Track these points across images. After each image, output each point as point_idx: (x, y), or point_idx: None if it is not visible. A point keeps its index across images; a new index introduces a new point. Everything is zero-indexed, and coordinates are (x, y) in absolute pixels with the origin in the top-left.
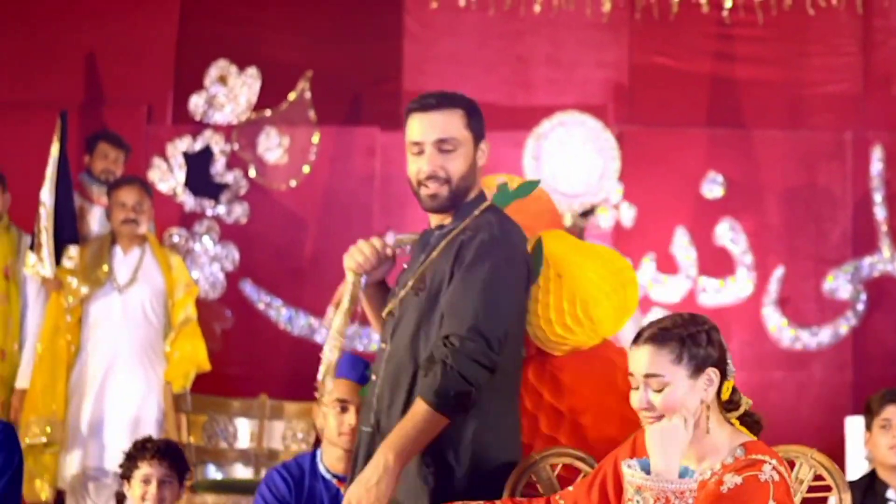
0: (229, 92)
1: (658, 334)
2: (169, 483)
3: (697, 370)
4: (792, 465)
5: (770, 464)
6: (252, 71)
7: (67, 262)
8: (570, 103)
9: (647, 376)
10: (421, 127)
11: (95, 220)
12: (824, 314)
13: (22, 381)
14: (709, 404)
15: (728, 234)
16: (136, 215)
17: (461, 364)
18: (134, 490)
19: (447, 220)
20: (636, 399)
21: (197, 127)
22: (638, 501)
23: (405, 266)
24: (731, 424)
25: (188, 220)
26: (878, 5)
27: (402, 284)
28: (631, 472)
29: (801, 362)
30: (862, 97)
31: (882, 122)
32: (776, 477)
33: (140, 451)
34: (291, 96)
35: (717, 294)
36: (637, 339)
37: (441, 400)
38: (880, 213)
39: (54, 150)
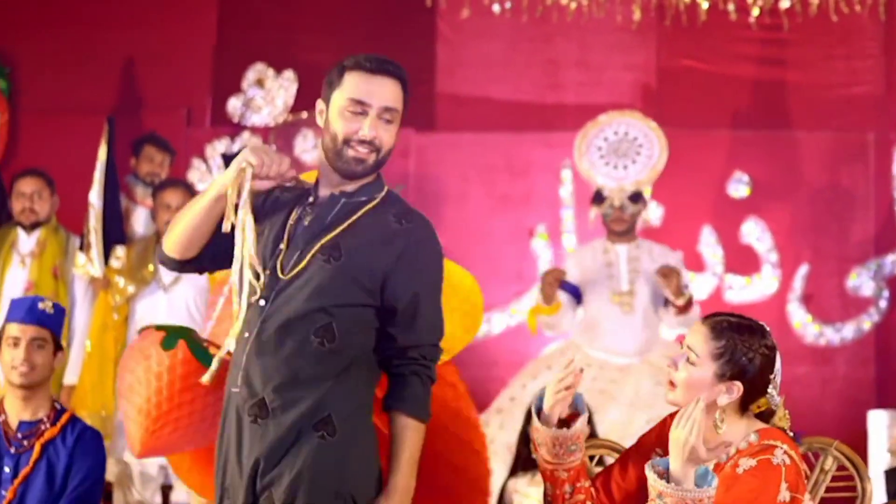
0: (266, 94)
1: (719, 326)
2: None
3: (724, 377)
4: (817, 456)
5: (781, 448)
6: (289, 74)
7: (115, 262)
8: (599, 105)
9: (688, 346)
10: (369, 88)
11: (140, 222)
12: (847, 311)
13: (70, 378)
14: (723, 408)
15: (754, 233)
16: None
17: (433, 377)
18: None
19: (347, 186)
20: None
21: (235, 129)
22: None
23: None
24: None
25: None
26: None
27: (297, 242)
28: (654, 476)
29: (825, 358)
30: (884, 99)
31: None
32: (787, 461)
33: None
34: None
35: (743, 291)
36: (708, 317)
37: (428, 412)
38: None
39: (102, 153)
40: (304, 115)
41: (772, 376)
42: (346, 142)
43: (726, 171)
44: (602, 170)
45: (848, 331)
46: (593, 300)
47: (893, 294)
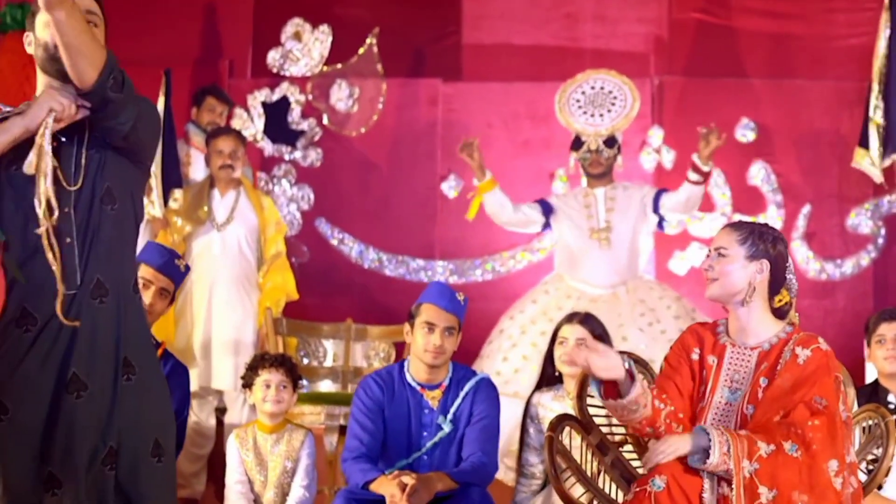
0: (303, 47)
1: (738, 222)
2: (285, 388)
3: (754, 257)
4: None
5: (818, 337)
6: (324, 28)
7: (173, 204)
8: (614, 54)
9: (716, 248)
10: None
11: (199, 168)
12: (847, 248)
13: None
14: (755, 287)
15: (760, 175)
16: (231, 161)
17: None
18: (256, 394)
19: None
20: (704, 263)
21: (274, 80)
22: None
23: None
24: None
25: (268, 165)
26: None
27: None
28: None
29: (827, 291)
30: None
31: None
32: (827, 347)
33: (261, 361)
34: (360, 51)
35: None
36: (727, 225)
37: None
38: None
39: (160, 104)
40: (339, 66)
41: (787, 264)
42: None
43: (734, 117)
44: (580, 118)
45: (848, 266)
46: (575, 237)
47: (890, 232)
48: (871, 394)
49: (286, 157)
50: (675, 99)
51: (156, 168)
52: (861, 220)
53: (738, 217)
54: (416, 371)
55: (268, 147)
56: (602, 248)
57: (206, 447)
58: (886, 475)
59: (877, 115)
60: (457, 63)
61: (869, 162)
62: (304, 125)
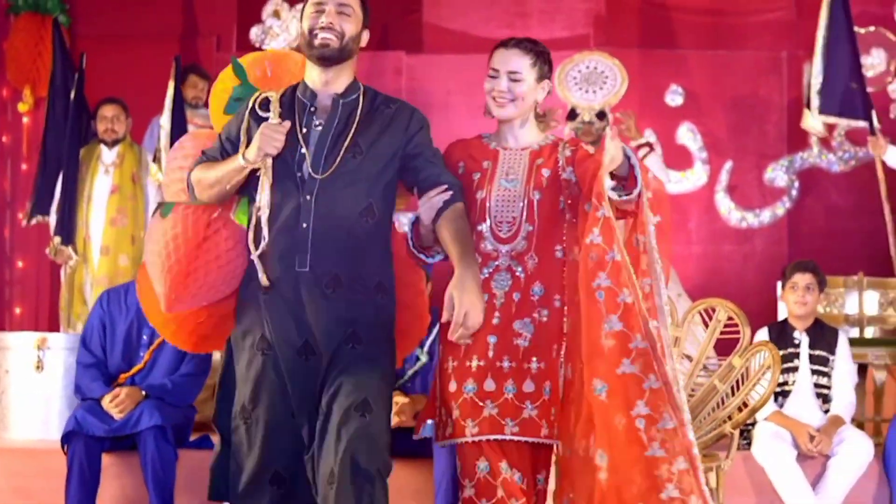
0: (282, 24)
1: (521, 43)
2: None
3: (541, 78)
4: (714, 310)
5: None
6: (300, 6)
7: None
8: (557, 30)
9: (509, 72)
10: None
11: None
12: (765, 199)
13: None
14: (538, 102)
15: (687, 135)
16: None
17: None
18: None
19: (333, 85)
20: (499, 85)
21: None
22: None
23: (278, 121)
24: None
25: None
26: None
27: (318, 146)
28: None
29: (746, 238)
30: (795, 22)
31: (811, 42)
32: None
33: None
34: None
35: (679, 184)
36: (507, 43)
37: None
38: None
39: (171, 87)
40: None
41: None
42: (311, 31)
43: (664, 84)
44: (576, 94)
45: (765, 216)
46: None
47: (803, 185)
48: (781, 330)
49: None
50: None
51: (165, 140)
52: (777, 174)
53: (668, 173)
54: None
55: None
56: None
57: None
58: (773, 397)
59: (816, 80)
60: (418, 37)
61: (813, 120)
62: None
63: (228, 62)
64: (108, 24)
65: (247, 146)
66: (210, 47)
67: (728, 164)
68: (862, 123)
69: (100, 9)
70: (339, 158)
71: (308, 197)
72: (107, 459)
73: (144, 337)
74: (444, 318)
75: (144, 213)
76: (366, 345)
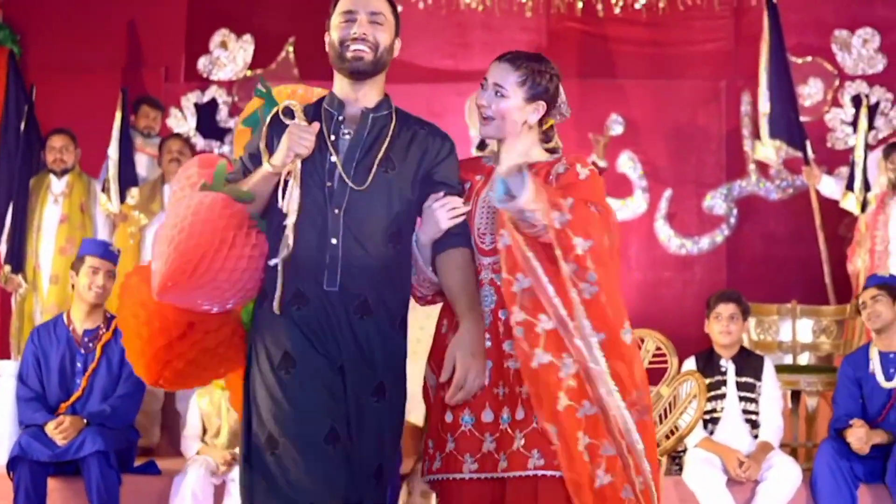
0: (229, 55)
1: (515, 57)
2: None
3: (532, 99)
4: (643, 340)
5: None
6: (247, 37)
7: (130, 200)
8: None
9: (494, 85)
10: (355, 1)
11: (141, 165)
12: (704, 226)
13: None
14: (531, 126)
15: (627, 164)
16: (181, 157)
17: None
18: None
19: (364, 99)
20: (483, 97)
21: (204, 83)
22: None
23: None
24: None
25: None
26: None
27: (349, 157)
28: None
29: (686, 265)
30: (734, 52)
31: (750, 72)
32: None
33: None
34: (279, 58)
35: (619, 211)
36: (504, 56)
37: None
38: (748, 145)
39: (118, 117)
40: (260, 71)
41: (561, 99)
42: (343, 43)
43: (604, 113)
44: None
45: (704, 243)
46: None
47: (741, 213)
48: (708, 358)
49: (216, 151)
50: None
51: (113, 170)
52: (716, 202)
53: (608, 201)
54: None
55: (200, 142)
56: None
57: (156, 404)
58: (703, 424)
59: (764, 107)
60: None
61: (764, 150)
62: (231, 123)
63: (177, 91)
64: (58, 56)
65: (270, 156)
66: (158, 78)
67: (668, 192)
68: (798, 153)
69: (49, 40)
70: (373, 170)
71: (336, 211)
72: (52, 484)
73: (79, 364)
74: (443, 378)
75: None
76: (389, 400)
